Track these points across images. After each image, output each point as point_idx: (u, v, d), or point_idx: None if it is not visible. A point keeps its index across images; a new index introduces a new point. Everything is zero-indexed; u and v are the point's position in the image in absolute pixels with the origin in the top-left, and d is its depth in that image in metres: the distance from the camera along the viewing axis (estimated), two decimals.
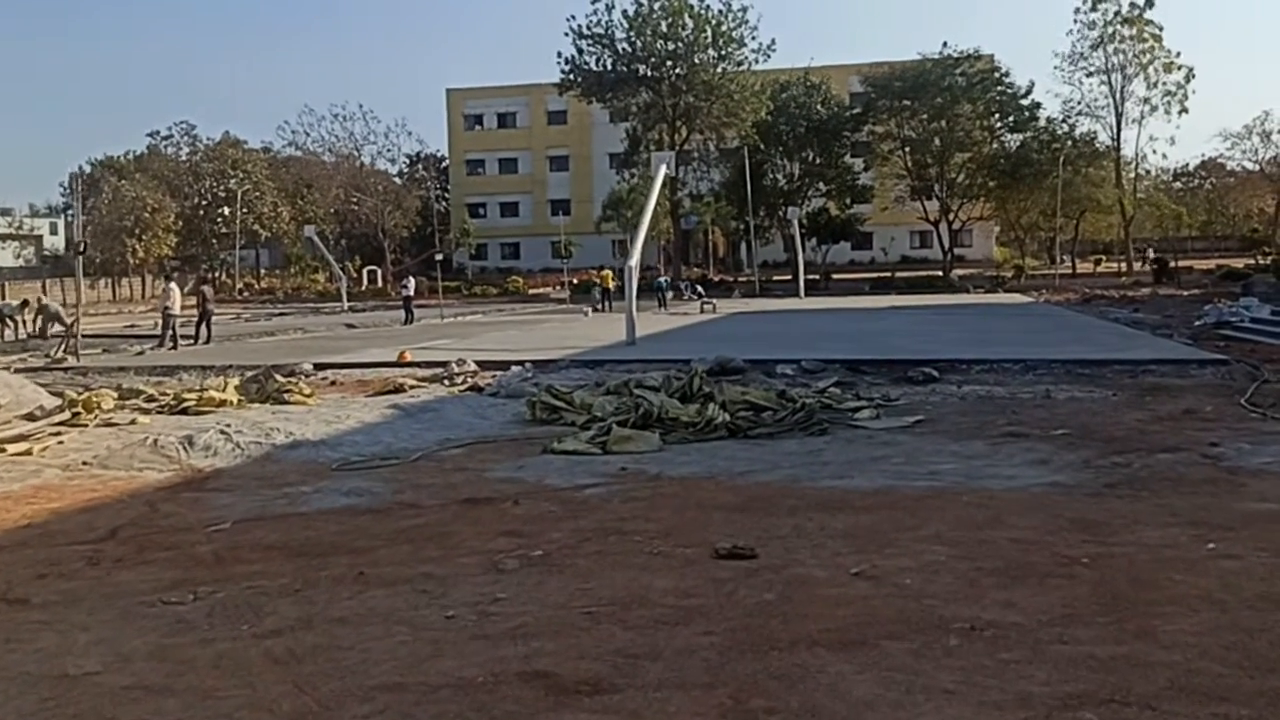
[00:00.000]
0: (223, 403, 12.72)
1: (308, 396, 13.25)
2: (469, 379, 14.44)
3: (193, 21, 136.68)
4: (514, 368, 14.71)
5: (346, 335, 27.68)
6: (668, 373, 12.54)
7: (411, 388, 14.13)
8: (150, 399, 13.21)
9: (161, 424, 11.24)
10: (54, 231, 79.35)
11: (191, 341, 24.48)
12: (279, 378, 13.61)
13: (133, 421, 11.54)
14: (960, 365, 14.64)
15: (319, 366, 16.36)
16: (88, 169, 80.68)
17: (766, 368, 14.72)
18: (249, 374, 13.91)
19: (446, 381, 14.51)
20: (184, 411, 12.34)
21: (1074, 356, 14.83)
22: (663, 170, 20.96)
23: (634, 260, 18.72)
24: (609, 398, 11.43)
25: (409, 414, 11.60)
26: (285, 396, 13.12)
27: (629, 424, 9.54)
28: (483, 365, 15.56)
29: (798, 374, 14.31)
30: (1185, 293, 40.60)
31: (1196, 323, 23.60)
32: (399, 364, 16.39)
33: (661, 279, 42.44)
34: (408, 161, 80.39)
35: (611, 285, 39.62)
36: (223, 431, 9.85)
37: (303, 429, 10.48)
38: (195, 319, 24.90)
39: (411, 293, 33.53)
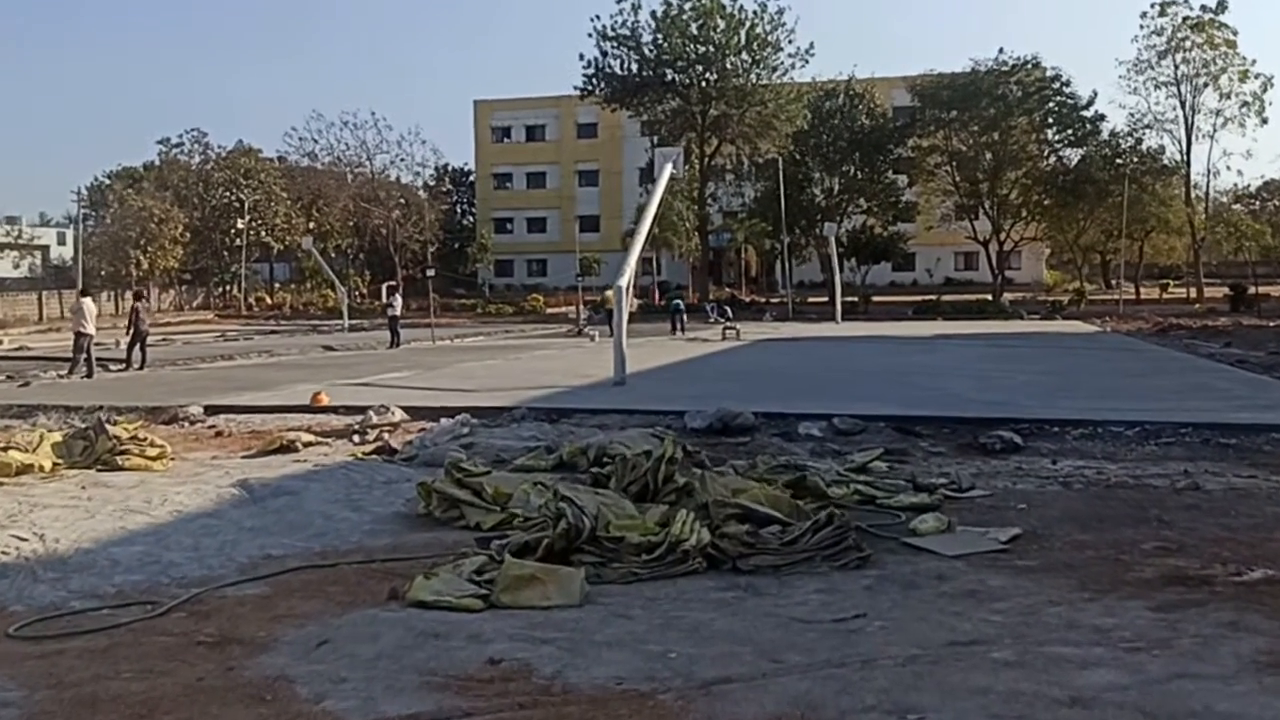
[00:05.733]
0: (25, 468, 9.19)
1: (154, 459, 9.67)
2: (385, 434, 10.78)
3: (211, 33, 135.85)
4: (444, 420, 11.00)
5: (314, 361, 24.28)
6: (642, 438, 8.77)
7: (307, 445, 10.53)
8: None
9: None
10: (61, 242, 77.34)
11: (123, 366, 21.28)
12: (117, 433, 10.00)
13: None
14: (1049, 426, 10.77)
15: (211, 410, 12.77)
16: (105, 180, 78.74)
17: (786, 426, 10.92)
18: (80, 428, 10.33)
19: (356, 437, 10.89)
20: None
21: (1208, 419, 10.84)
22: (668, 169, 17.32)
23: (625, 279, 14.97)
24: (546, 479, 7.77)
25: (253, 499, 7.96)
26: (120, 460, 9.58)
27: (542, 548, 5.81)
28: (414, 413, 11.90)
29: (827, 436, 10.50)
30: (1271, 323, 36.26)
31: None
32: (312, 408, 12.76)
33: (677, 300, 38.47)
34: (434, 176, 77.43)
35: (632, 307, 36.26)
36: None
37: (67, 527, 6.91)
38: (128, 341, 21.70)
39: (398, 312, 30.03)
